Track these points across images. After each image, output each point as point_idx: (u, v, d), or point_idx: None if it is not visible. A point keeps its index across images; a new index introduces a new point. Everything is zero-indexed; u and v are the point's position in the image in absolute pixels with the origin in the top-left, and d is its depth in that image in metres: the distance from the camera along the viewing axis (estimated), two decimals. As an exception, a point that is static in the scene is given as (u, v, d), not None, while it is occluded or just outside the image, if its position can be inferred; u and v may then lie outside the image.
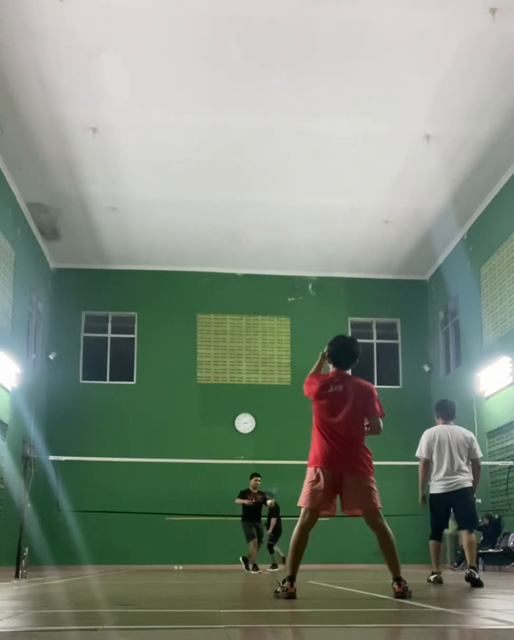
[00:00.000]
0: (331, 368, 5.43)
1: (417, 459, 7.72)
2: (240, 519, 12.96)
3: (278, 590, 5.15)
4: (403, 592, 4.95)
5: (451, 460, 7.39)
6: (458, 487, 7.33)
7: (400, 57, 11.26)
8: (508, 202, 14.62)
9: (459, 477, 7.36)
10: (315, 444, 5.28)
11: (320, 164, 14.16)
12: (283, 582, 5.14)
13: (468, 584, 6.86)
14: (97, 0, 10.21)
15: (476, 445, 7.57)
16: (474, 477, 7.48)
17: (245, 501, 12.81)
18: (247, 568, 12.58)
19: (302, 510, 5.25)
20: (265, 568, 13.25)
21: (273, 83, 11.92)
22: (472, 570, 6.91)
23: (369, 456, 5.24)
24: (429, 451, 7.50)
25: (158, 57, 11.35)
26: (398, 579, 5.02)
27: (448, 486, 7.36)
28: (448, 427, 7.63)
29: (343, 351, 5.40)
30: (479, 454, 7.57)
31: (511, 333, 14.45)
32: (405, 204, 15.72)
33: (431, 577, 7.56)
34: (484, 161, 14.04)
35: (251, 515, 12.84)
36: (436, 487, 7.48)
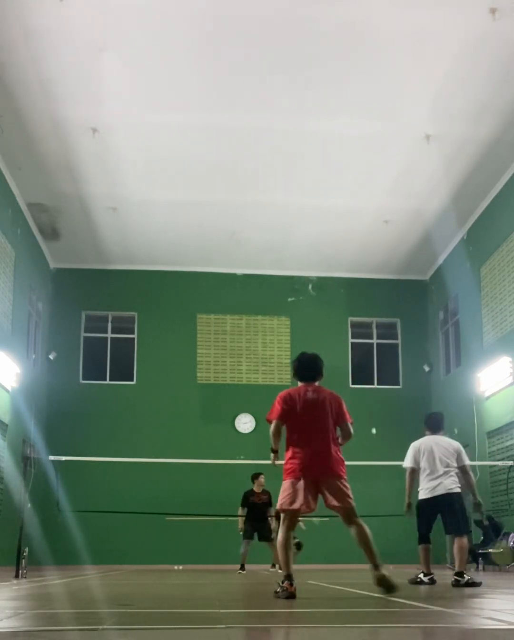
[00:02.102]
0: (299, 384, 5.73)
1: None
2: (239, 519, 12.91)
3: (278, 590, 5.19)
4: (383, 576, 5.16)
5: (435, 467, 7.55)
6: (442, 492, 7.45)
7: (400, 57, 11.25)
8: (508, 202, 14.62)
9: (445, 482, 7.47)
10: (290, 455, 5.49)
11: (320, 164, 14.15)
12: (282, 582, 5.18)
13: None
14: (97, 0, 10.22)
15: (464, 454, 7.73)
16: (467, 482, 7.61)
17: (242, 514, 12.70)
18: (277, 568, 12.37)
19: (283, 515, 5.50)
20: (268, 568, 13.15)
21: (273, 83, 11.91)
22: (457, 578, 6.91)
23: (342, 459, 5.50)
24: (416, 461, 7.68)
25: (158, 57, 11.35)
26: (376, 566, 5.23)
27: (434, 491, 7.49)
28: (433, 437, 7.79)
29: (302, 367, 5.76)
30: (467, 461, 7.70)
31: (511, 333, 14.44)
32: (404, 204, 15.71)
33: (426, 578, 7.58)
34: (484, 161, 14.04)
35: (256, 515, 12.60)
36: (423, 492, 7.62)
